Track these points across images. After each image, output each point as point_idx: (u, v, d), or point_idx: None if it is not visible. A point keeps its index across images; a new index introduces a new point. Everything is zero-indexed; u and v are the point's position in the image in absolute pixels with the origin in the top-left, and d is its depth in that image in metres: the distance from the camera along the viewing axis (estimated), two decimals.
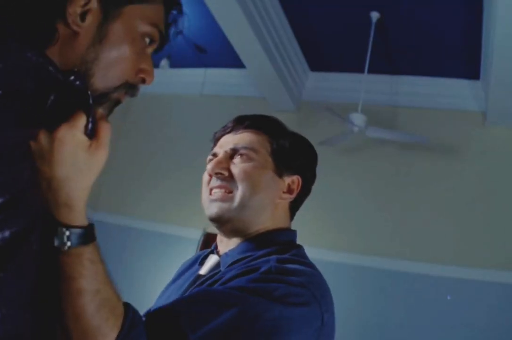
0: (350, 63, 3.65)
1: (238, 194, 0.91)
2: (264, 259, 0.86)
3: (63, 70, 0.59)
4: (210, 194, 0.94)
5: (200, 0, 2.95)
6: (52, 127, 0.56)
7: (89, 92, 0.59)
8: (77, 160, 0.58)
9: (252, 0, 2.97)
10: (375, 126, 3.23)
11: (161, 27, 0.69)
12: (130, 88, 0.67)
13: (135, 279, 3.61)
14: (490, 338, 2.94)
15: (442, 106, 3.65)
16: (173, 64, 3.93)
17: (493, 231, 3.21)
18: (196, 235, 3.68)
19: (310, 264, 0.89)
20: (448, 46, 3.24)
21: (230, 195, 0.91)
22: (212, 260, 0.96)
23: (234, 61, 3.73)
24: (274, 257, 0.85)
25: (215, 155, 0.98)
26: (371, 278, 3.31)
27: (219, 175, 0.93)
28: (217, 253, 0.97)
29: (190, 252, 3.28)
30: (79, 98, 0.58)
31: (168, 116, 4.44)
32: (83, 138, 0.58)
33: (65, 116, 0.57)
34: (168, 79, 4.31)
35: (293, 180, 0.98)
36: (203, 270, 0.95)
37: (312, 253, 3.70)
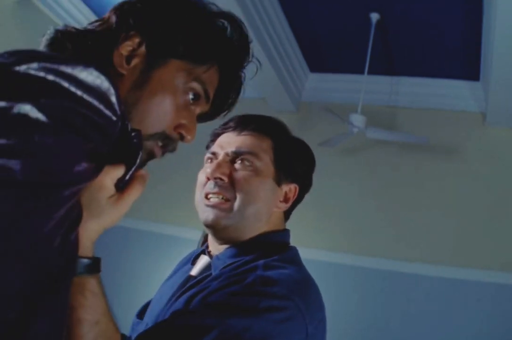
0: (350, 64, 3.65)
1: (236, 204, 0.88)
2: (252, 265, 0.84)
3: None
4: (206, 198, 0.91)
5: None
6: None
7: (141, 152, 0.60)
8: (93, 203, 0.59)
9: (252, 1, 2.96)
10: (375, 127, 3.23)
11: (208, 87, 0.69)
12: (166, 140, 0.67)
13: (135, 279, 3.61)
14: (491, 339, 2.94)
15: (442, 107, 3.65)
16: None
17: (493, 231, 3.21)
18: (196, 236, 3.67)
19: (298, 267, 0.87)
20: (448, 47, 3.24)
21: (228, 203, 0.89)
22: (203, 261, 0.95)
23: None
24: (261, 262, 0.84)
25: (214, 154, 0.95)
26: (371, 279, 3.31)
27: (218, 180, 0.90)
28: (209, 253, 0.96)
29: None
30: (130, 153, 0.59)
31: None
32: (110, 187, 0.60)
33: (108, 162, 0.58)
34: None
35: (291, 189, 0.96)
36: (194, 271, 0.94)
37: (312, 254, 3.70)
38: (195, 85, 0.67)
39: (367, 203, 3.53)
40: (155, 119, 0.65)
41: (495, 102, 3.16)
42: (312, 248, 3.41)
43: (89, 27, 0.68)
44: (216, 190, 0.89)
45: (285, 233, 0.97)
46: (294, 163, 0.96)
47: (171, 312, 0.80)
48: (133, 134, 0.58)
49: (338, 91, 3.86)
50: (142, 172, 0.64)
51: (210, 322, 0.70)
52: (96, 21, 0.69)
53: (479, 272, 3.11)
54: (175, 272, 1.07)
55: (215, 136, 0.98)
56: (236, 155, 0.92)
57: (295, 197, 0.97)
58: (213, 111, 0.76)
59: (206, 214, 0.90)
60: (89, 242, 0.61)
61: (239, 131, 0.94)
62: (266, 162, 0.92)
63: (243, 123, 0.95)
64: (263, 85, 3.70)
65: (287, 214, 1.00)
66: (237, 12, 2.85)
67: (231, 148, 0.92)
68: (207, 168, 0.92)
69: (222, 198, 0.89)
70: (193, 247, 4.16)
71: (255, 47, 3.34)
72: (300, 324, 0.76)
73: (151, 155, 0.67)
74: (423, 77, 3.65)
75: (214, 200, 0.90)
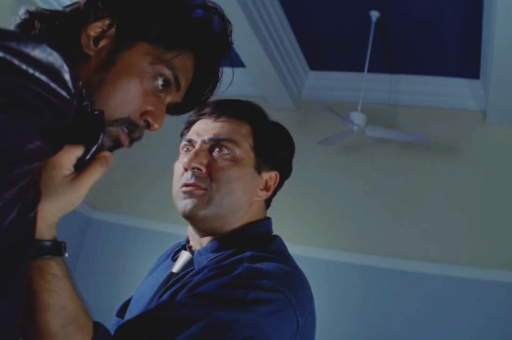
0: (350, 62, 3.65)
1: (214, 195, 0.85)
2: (238, 256, 0.81)
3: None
4: (183, 188, 0.87)
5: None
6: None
7: (102, 134, 0.59)
8: (48, 182, 0.57)
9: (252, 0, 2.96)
10: (375, 125, 3.23)
11: (178, 73, 0.67)
12: (131, 127, 0.65)
13: (134, 277, 3.61)
14: (491, 338, 2.94)
15: (442, 105, 3.64)
16: None
17: (494, 230, 3.21)
18: None
19: (285, 258, 0.84)
20: (448, 45, 3.24)
21: (203, 192, 0.85)
22: (185, 257, 0.92)
23: (234, 60, 3.72)
24: (248, 253, 0.81)
25: (190, 142, 0.91)
26: (372, 277, 3.31)
27: (196, 170, 0.85)
28: (189, 248, 0.93)
29: None
30: (91, 134, 0.58)
31: (167, 115, 4.43)
32: (66, 165, 0.58)
33: (69, 139, 0.57)
34: None
35: (271, 176, 0.92)
36: (176, 268, 0.91)
37: (313, 252, 3.70)
38: (164, 70, 0.65)
39: (367, 201, 3.53)
40: (119, 103, 0.62)
41: (495, 100, 3.16)
42: (312, 246, 3.41)
43: (62, 9, 0.67)
44: (192, 180, 0.85)
45: (267, 221, 0.94)
46: (274, 149, 0.92)
47: (156, 304, 0.78)
48: (95, 113, 0.57)
49: (338, 90, 3.85)
50: (106, 153, 0.62)
51: (197, 313, 0.69)
52: (70, 4, 0.68)
53: (479, 270, 3.11)
54: (155, 267, 1.04)
55: (190, 123, 0.94)
56: (214, 142, 0.87)
57: (276, 184, 0.93)
58: (186, 104, 0.73)
59: (184, 204, 0.86)
60: (44, 224, 0.58)
61: (216, 117, 0.89)
62: (245, 150, 0.88)
63: (220, 109, 0.90)
64: (263, 83, 3.70)
65: (267, 202, 0.96)
66: (238, 10, 2.85)
67: (208, 136, 0.88)
68: (184, 158, 0.88)
69: (198, 188, 0.86)
70: None
71: (255, 45, 3.32)
72: (290, 316, 0.75)
73: (117, 143, 0.65)
74: (423, 76, 3.64)
75: (191, 190, 0.86)
